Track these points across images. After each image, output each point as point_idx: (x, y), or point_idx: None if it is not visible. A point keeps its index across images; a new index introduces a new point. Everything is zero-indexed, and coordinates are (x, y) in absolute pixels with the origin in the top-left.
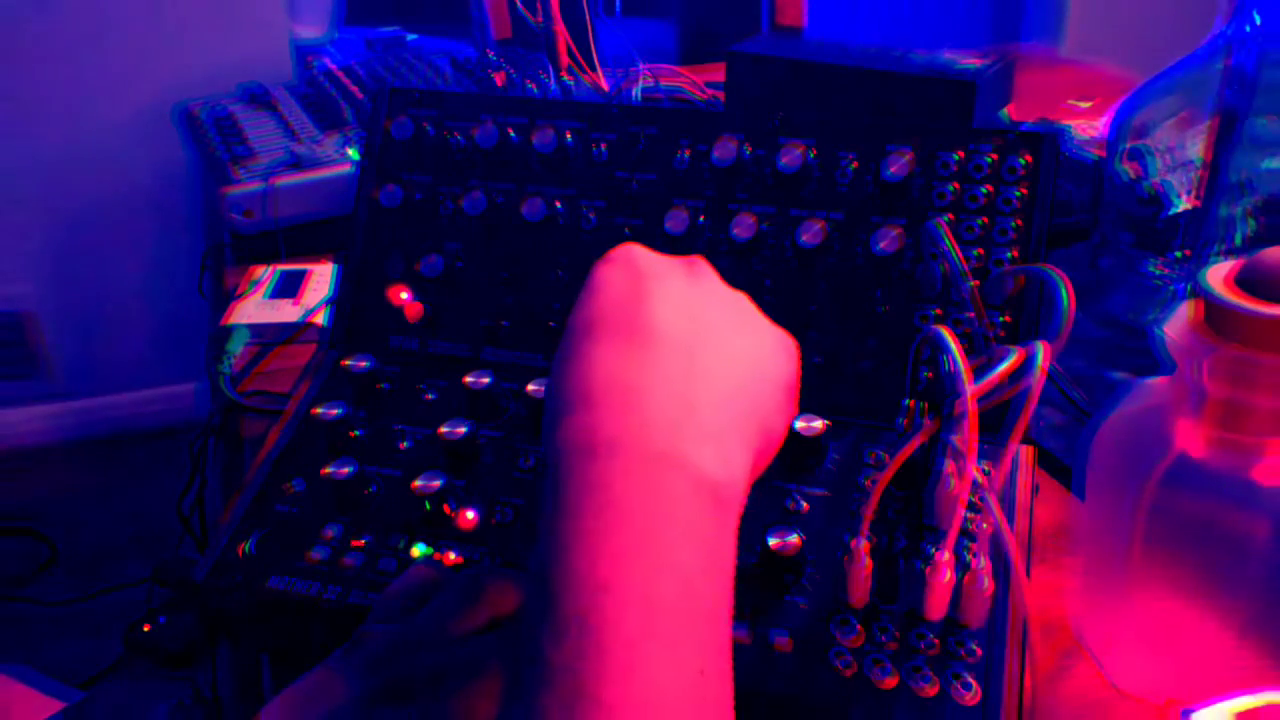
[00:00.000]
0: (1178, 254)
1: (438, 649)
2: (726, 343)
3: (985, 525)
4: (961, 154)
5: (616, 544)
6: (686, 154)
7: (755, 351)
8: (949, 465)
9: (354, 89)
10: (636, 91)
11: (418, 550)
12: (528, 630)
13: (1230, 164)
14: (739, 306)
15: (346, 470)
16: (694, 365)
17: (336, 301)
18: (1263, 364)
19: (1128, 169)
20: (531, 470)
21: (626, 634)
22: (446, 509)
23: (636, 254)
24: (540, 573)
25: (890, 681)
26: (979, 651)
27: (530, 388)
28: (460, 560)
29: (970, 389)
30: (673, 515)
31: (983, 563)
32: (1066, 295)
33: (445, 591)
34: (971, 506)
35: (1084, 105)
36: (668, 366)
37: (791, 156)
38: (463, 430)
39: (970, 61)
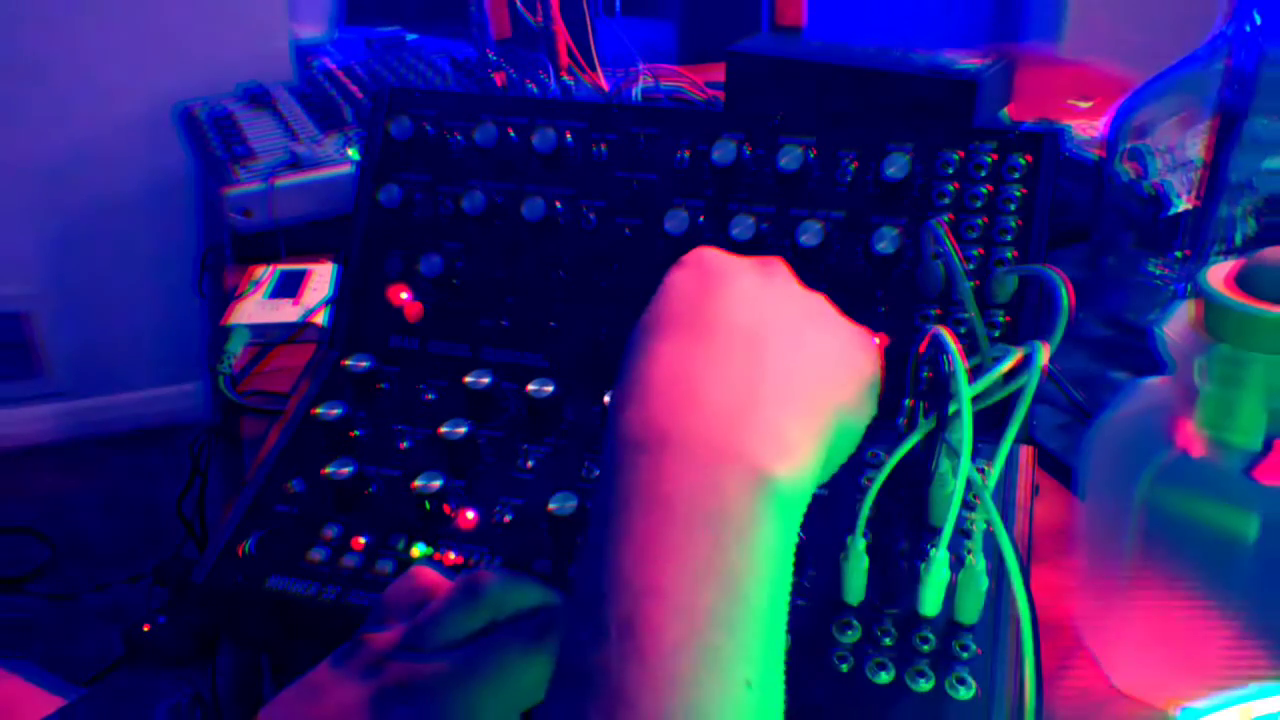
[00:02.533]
0: (1178, 254)
1: (438, 652)
2: (797, 339)
3: (984, 524)
4: (961, 154)
5: (666, 545)
6: (686, 154)
7: (828, 348)
8: (948, 465)
9: (354, 89)
10: (636, 91)
11: (418, 550)
12: (569, 630)
13: (1230, 164)
14: (813, 304)
15: (346, 470)
16: (758, 359)
17: (336, 301)
18: (1262, 364)
19: (1128, 169)
20: (532, 470)
21: (671, 641)
22: (446, 509)
23: (709, 255)
24: (586, 571)
25: (889, 681)
26: (978, 651)
27: (530, 388)
28: (460, 560)
29: (970, 389)
30: (728, 514)
31: (981, 562)
32: (1066, 295)
33: (445, 594)
34: (971, 506)
35: (1084, 105)
36: (729, 358)
37: (791, 156)
38: (463, 430)
39: (970, 61)
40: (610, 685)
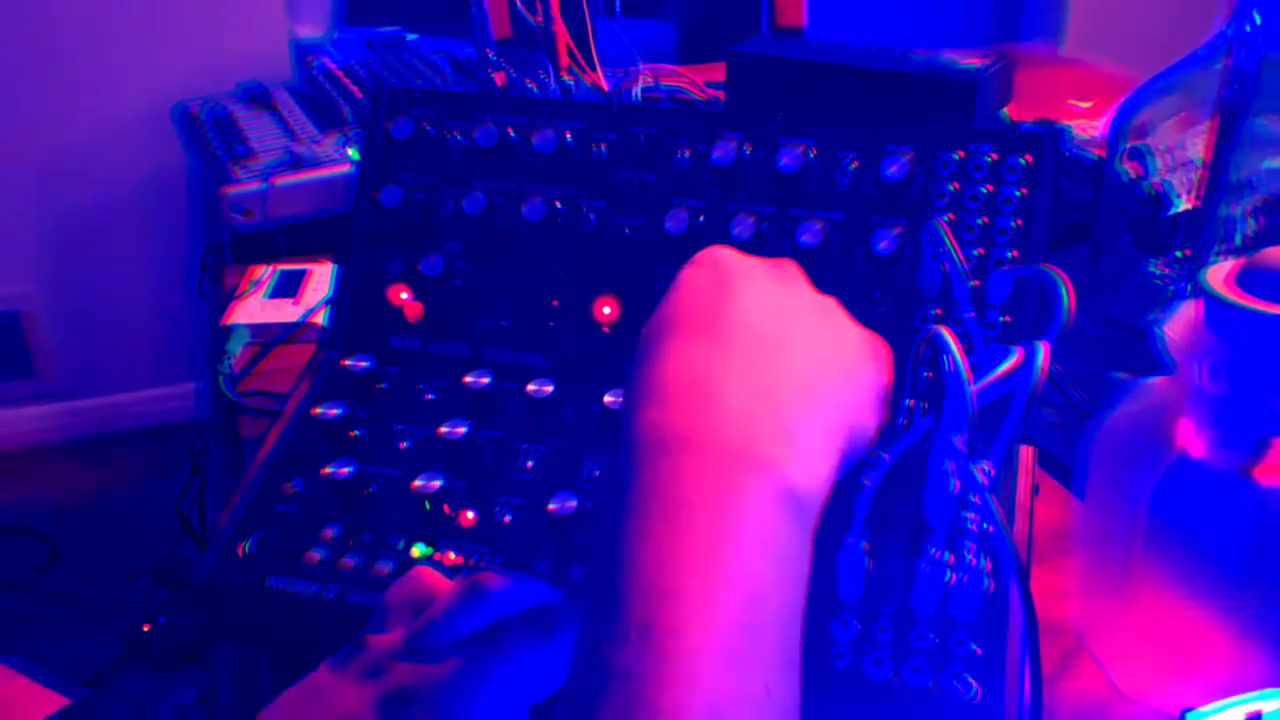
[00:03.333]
0: (1178, 254)
1: (441, 653)
2: (812, 343)
3: (985, 525)
4: (961, 154)
5: (685, 548)
6: (686, 154)
7: (843, 353)
8: (948, 465)
9: (354, 89)
10: (636, 91)
11: (418, 550)
12: (588, 632)
13: (1230, 164)
14: (826, 309)
15: (346, 470)
16: (775, 363)
17: (336, 301)
18: (1263, 364)
19: (1128, 169)
20: (532, 470)
21: (690, 644)
22: (446, 509)
23: (722, 255)
24: (603, 572)
25: (889, 681)
26: (978, 651)
27: (530, 388)
28: (460, 560)
29: (970, 389)
30: (746, 519)
31: (982, 562)
32: (1066, 295)
33: (447, 595)
34: (971, 506)
35: (1084, 105)
36: (746, 362)
37: (791, 156)
38: (463, 430)
39: (970, 61)
40: (629, 687)
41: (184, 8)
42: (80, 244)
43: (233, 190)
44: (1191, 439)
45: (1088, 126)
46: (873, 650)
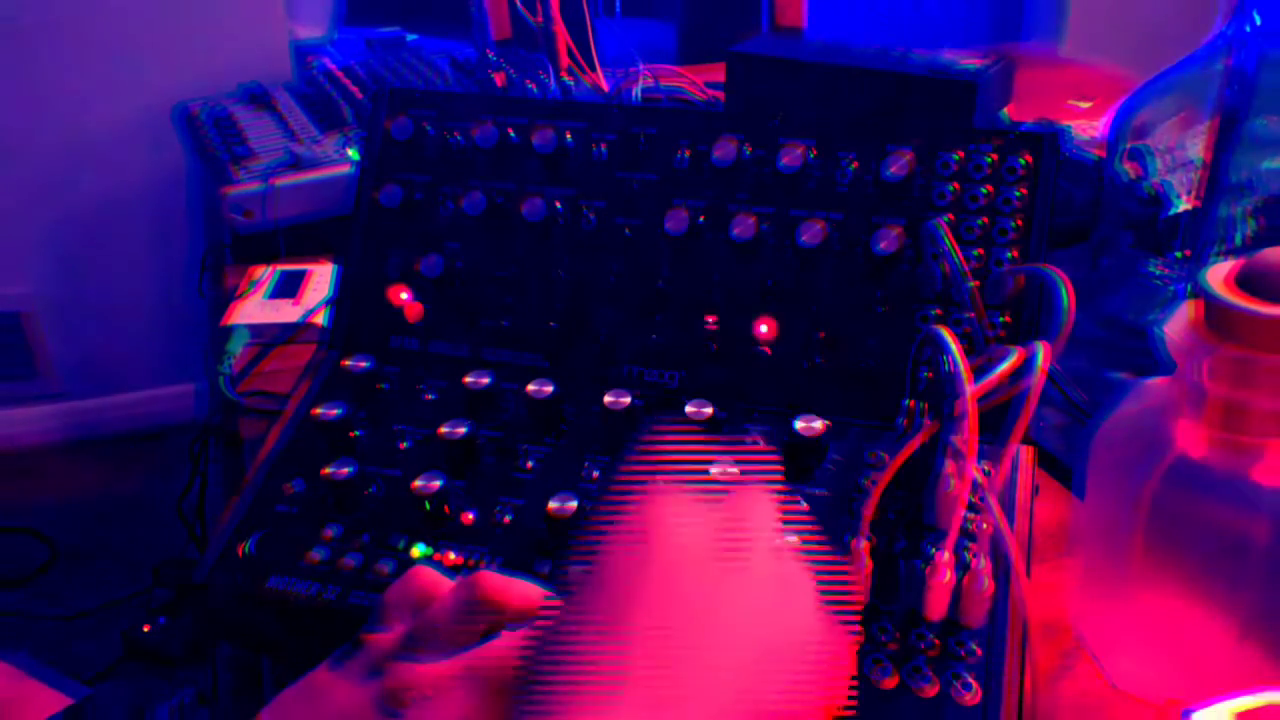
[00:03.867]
0: (1178, 254)
1: (436, 654)
2: (749, 637)
3: (985, 525)
4: (961, 154)
5: None
6: (686, 154)
7: (787, 659)
8: (949, 465)
9: (354, 89)
10: (636, 91)
11: (418, 550)
12: None
13: (1230, 164)
14: (787, 588)
15: (346, 470)
16: (694, 656)
17: (336, 301)
18: (1263, 364)
19: (1128, 169)
20: (532, 470)
21: None
22: (446, 509)
23: (665, 540)
24: None
25: (890, 682)
26: (979, 652)
27: (530, 388)
28: (460, 560)
29: (970, 389)
30: None
31: (983, 563)
32: (1066, 295)
33: (446, 595)
34: (971, 506)
35: (1084, 105)
36: (662, 651)
37: (791, 156)
38: (463, 430)
39: (970, 61)
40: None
41: (184, 8)
42: (80, 244)
43: (233, 191)
44: (1191, 439)
45: (1088, 126)
46: (873, 651)
